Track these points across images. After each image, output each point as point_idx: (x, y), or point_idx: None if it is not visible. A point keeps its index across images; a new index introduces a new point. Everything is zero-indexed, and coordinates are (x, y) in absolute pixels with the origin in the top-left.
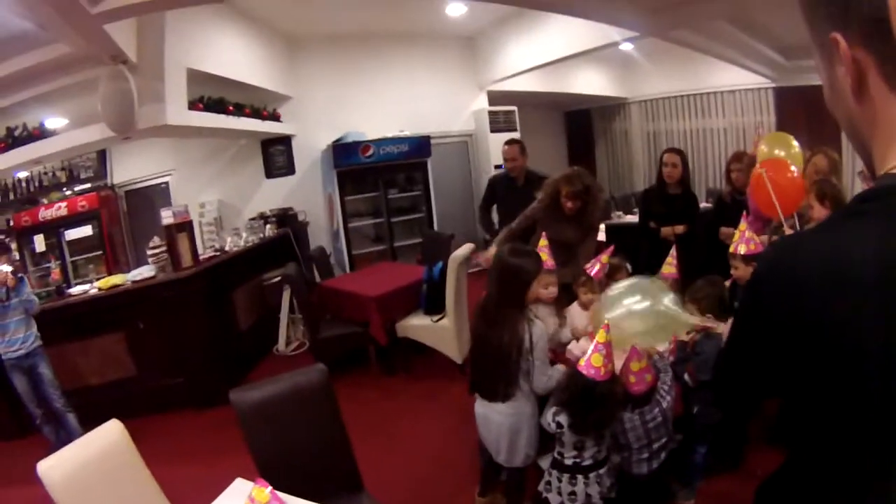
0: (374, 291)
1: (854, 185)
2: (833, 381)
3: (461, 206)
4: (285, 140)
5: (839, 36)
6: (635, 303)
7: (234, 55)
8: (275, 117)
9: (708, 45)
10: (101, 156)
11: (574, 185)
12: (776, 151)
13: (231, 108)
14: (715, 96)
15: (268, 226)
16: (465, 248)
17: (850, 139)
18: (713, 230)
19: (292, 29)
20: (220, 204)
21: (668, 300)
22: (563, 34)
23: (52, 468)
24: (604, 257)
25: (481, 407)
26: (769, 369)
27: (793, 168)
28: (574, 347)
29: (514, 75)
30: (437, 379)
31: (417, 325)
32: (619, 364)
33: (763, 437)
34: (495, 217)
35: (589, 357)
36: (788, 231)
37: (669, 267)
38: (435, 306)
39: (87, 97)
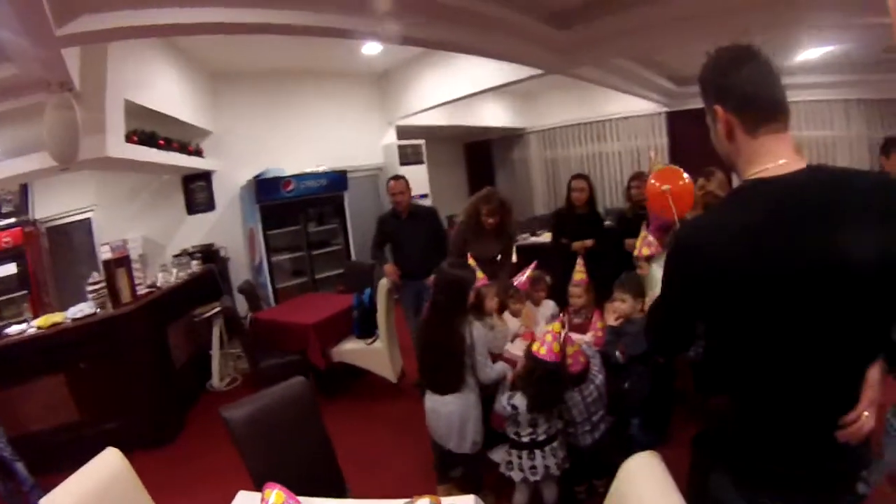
0: (310, 319)
1: None
2: (726, 297)
3: None
4: (206, 176)
5: (719, 107)
6: None
7: (164, 88)
8: (198, 153)
9: (606, 78)
10: (23, 189)
11: (492, 202)
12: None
13: (162, 142)
14: (610, 123)
15: (193, 262)
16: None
17: (726, 162)
18: (619, 243)
19: (214, 64)
20: (144, 241)
21: None
22: (471, 72)
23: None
24: (528, 271)
25: (431, 401)
26: (691, 302)
27: (685, 176)
28: (511, 347)
29: (422, 111)
30: (376, 399)
31: (352, 349)
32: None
33: (685, 414)
34: (389, 256)
35: (550, 346)
36: None
37: (580, 274)
38: (367, 330)
39: (20, 126)
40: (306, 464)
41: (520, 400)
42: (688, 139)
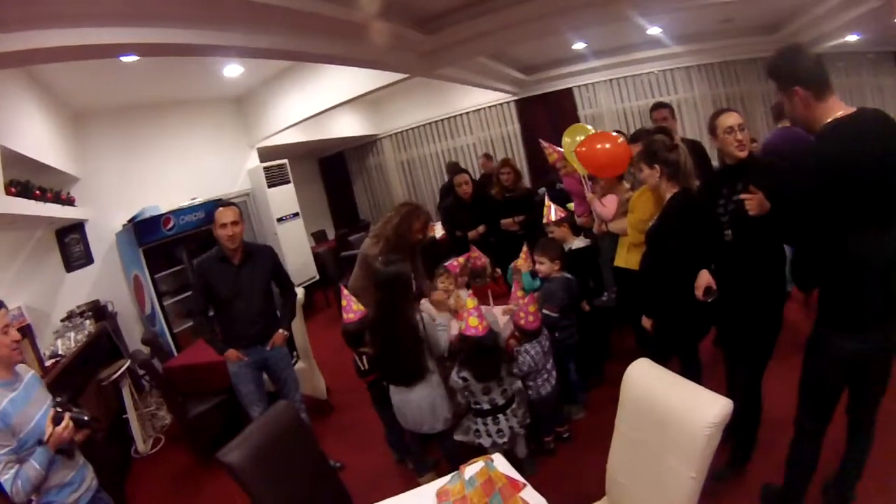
0: None
1: None
2: (858, 193)
3: None
4: (79, 227)
5: (798, 87)
6: None
7: (31, 131)
8: (70, 201)
9: (462, 75)
10: None
11: (422, 214)
12: (577, 137)
13: (38, 192)
14: (462, 117)
15: (87, 322)
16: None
17: (802, 125)
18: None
19: (76, 104)
20: (27, 310)
21: None
22: (331, 85)
23: None
24: (461, 258)
25: (398, 394)
26: (826, 198)
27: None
28: (453, 328)
29: (284, 129)
30: (314, 419)
31: None
32: (515, 310)
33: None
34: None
35: (467, 322)
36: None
37: (519, 258)
38: None
39: None
40: (315, 485)
41: (468, 372)
42: (537, 122)
